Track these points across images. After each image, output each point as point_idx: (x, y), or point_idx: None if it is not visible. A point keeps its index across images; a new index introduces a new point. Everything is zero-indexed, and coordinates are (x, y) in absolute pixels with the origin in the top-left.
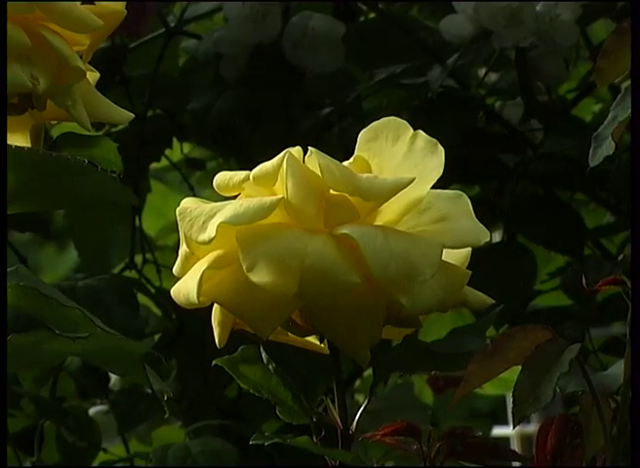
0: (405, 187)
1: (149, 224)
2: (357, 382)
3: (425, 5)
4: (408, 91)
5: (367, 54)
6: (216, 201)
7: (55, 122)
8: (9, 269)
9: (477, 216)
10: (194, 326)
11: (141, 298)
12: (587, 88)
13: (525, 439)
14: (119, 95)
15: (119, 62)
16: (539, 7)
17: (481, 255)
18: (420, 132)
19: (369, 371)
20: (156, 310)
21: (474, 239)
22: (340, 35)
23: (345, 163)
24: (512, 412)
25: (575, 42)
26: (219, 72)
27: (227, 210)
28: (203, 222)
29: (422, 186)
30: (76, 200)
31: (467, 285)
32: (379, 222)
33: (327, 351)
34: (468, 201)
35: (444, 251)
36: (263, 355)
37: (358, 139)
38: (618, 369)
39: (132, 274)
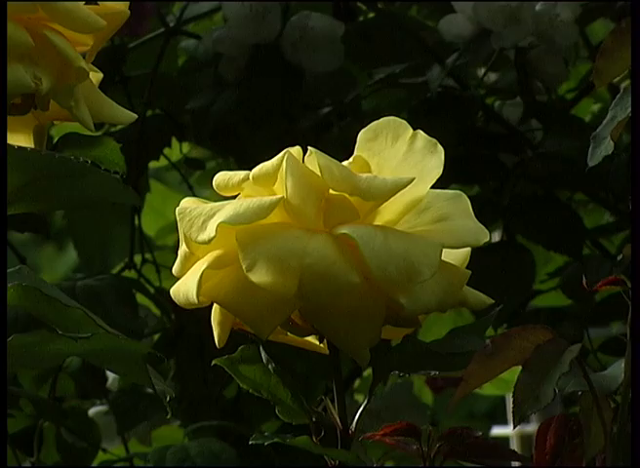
0: (404, 187)
1: (149, 224)
2: (357, 382)
3: (425, 5)
4: (407, 90)
5: (366, 53)
6: (215, 201)
7: (57, 122)
8: (11, 270)
9: (476, 216)
10: (194, 326)
11: (141, 298)
12: (587, 88)
13: (525, 439)
14: (118, 94)
15: (118, 62)
16: (538, 7)
17: (480, 255)
18: (420, 131)
19: (368, 371)
20: (155, 310)
21: (474, 239)
22: (340, 35)
23: (345, 163)
24: (512, 412)
25: (574, 42)
26: (218, 72)
27: (227, 209)
28: (203, 222)
29: (422, 186)
30: (79, 200)
31: (467, 284)
32: (378, 222)
33: (326, 351)
34: (468, 201)
35: (443, 250)
36: (263, 355)
37: (358, 139)
38: (617, 368)
39: (131, 274)
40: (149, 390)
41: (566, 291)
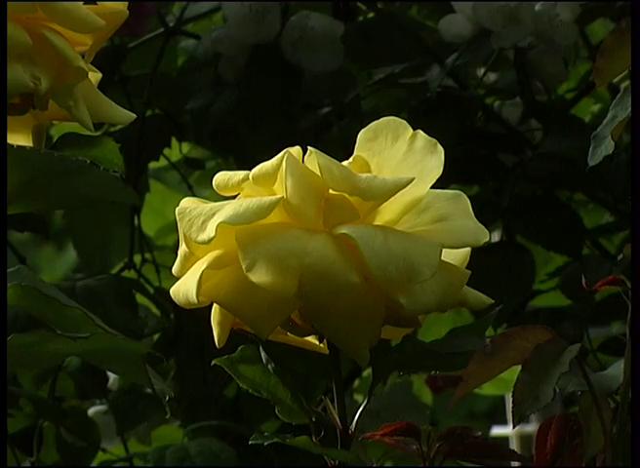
0: (404, 187)
1: (148, 224)
2: (356, 382)
3: (424, 5)
4: (407, 90)
5: (366, 53)
6: (215, 201)
7: (56, 122)
8: (10, 270)
9: (476, 216)
10: (193, 326)
11: (140, 298)
12: (586, 88)
13: (524, 439)
14: (118, 94)
15: (118, 62)
16: (537, 7)
17: (480, 255)
18: (420, 131)
19: (368, 371)
20: (155, 310)
21: (473, 239)
22: (339, 35)
23: (345, 163)
24: (512, 412)
25: (574, 42)
26: (217, 72)
27: (227, 209)
28: (202, 222)
29: (422, 186)
30: (79, 200)
31: (467, 285)
32: (378, 222)
33: (326, 351)
34: (467, 201)
35: (443, 250)
36: (263, 355)
37: (357, 139)
38: (617, 368)
39: (131, 274)
40: (149, 390)
41: (565, 291)
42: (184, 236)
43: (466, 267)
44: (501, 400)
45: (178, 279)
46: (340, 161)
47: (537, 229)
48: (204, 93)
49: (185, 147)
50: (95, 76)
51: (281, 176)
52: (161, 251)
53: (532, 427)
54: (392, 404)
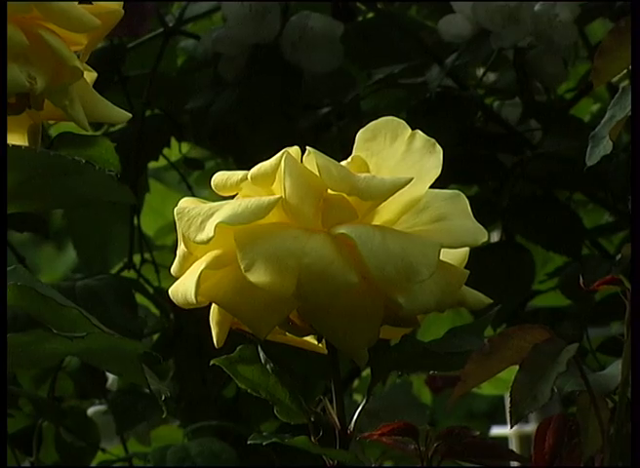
0: (403, 187)
1: (148, 224)
2: (355, 382)
3: (424, 5)
4: (406, 91)
5: (365, 53)
6: (214, 201)
7: (53, 122)
8: (7, 269)
9: (475, 216)
10: (193, 326)
11: (140, 298)
12: (586, 87)
13: (523, 438)
14: (117, 94)
15: (117, 62)
16: (537, 7)
17: (479, 255)
18: (419, 131)
19: (367, 371)
20: (155, 310)
21: (472, 239)
22: (339, 35)
23: (343, 163)
24: (510, 412)
25: (573, 42)
26: (217, 72)
27: (225, 209)
28: (201, 222)
29: (420, 186)
30: (75, 199)
31: (465, 284)
32: (377, 222)
33: (325, 351)
34: (466, 201)
35: (442, 250)
36: (261, 355)
37: (356, 139)
38: (615, 368)
39: (130, 274)
40: (148, 390)
41: (565, 291)
42: (183, 236)
43: (466, 267)
44: (501, 400)
45: (177, 279)
46: (339, 161)
47: (536, 229)
48: (203, 93)
49: (185, 147)
50: (90, 76)
51: (279, 176)
52: (161, 250)
53: (531, 427)
54: (391, 404)
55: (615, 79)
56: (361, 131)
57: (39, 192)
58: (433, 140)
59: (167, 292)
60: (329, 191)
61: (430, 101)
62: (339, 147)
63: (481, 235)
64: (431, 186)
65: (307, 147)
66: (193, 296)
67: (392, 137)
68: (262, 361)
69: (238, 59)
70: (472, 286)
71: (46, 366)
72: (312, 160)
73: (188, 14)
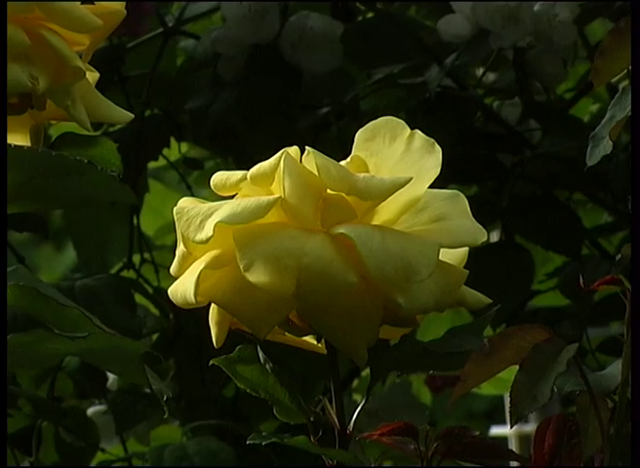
0: (402, 187)
1: (147, 224)
2: (355, 382)
3: (423, 5)
4: (406, 90)
5: (365, 53)
6: (213, 201)
7: (54, 122)
8: (8, 269)
9: (474, 216)
10: (192, 325)
11: (139, 298)
12: (585, 87)
13: (523, 438)
14: (117, 94)
15: (117, 62)
16: (536, 7)
17: (478, 255)
18: (418, 131)
19: (366, 371)
20: (154, 310)
21: (471, 239)
22: (338, 35)
23: (343, 162)
24: (510, 412)
25: (572, 42)
26: (217, 72)
27: (225, 209)
28: (200, 222)
29: (420, 186)
30: (77, 199)
31: (465, 284)
32: (376, 222)
33: (324, 351)
34: (466, 200)
35: (441, 250)
36: (261, 355)
37: (355, 139)
38: (615, 368)
39: (130, 274)
40: (148, 390)
41: (564, 291)
42: (182, 236)
43: (465, 267)
44: (501, 400)
45: (176, 279)
46: (338, 161)
47: (536, 229)
48: (203, 93)
49: (184, 147)
50: (92, 76)
51: (279, 176)
52: (160, 250)
53: (530, 427)
54: (391, 404)
55: (615, 79)
56: (360, 130)
57: (41, 192)
58: (432, 140)
59: (166, 291)
60: (328, 191)
61: (430, 101)
62: (338, 147)
63: (480, 235)
64: (431, 186)
65: (307, 147)
66: (193, 296)
67: (391, 137)
68: (262, 361)
69: (237, 59)
70: (472, 286)
71: (47, 366)
72: (311, 160)
73: (188, 14)
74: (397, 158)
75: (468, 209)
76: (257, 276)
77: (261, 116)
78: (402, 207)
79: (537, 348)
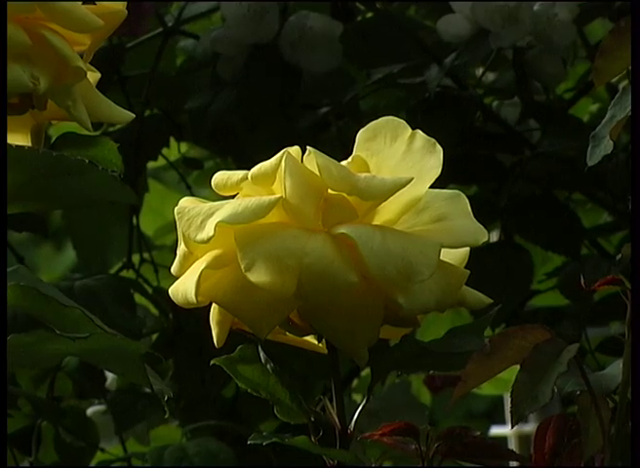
0: (403, 187)
1: (147, 224)
2: (355, 382)
3: (423, 5)
4: (406, 90)
5: (364, 53)
6: (214, 200)
7: (55, 122)
8: (9, 269)
9: (475, 216)
10: (192, 325)
11: (139, 298)
12: (585, 87)
13: (523, 438)
14: (117, 94)
15: (117, 62)
16: (536, 6)
17: (479, 255)
18: (419, 131)
19: (367, 371)
20: (154, 310)
21: (472, 238)
22: (338, 35)
23: (344, 162)
24: (510, 412)
25: (572, 41)
26: (216, 72)
27: (226, 209)
28: (201, 222)
29: (421, 186)
30: (78, 200)
31: (465, 284)
32: (377, 222)
33: (325, 351)
34: (466, 200)
35: (442, 250)
36: (261, 354)
37: (356, 139)
38: (615, 368)
39: (129, 274)
40: (147, 390)
41: (564, 290)
42: (183, 235)
43: (465, 267)
44: (500, 400)
45: (176, 279)
46: (339, 161)
47: (535, 229)
48: (203, 92)
49: (184, 147)
50: (93, 76)
51: (280, 176)
52: (160, 250)
53: (530, 427)
54: (391, 403)
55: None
56: (361, 130)
57: (42, 192)
58: (433, 140)
59: (166, 291)
60: (329, 191)
61: (429, 101)
62: (338, 147)
63: (481, 235)
64: (431, 186)
65: (308, 147)
66: (193, 296)
67: (392, 137)
68: (263, 361)
69: (237, 59)
70: (471, 286)
71: (47, 366)
72: (312, 160)
73: (187, 14)
74: (398, 158)
75: (469, 209)
76: (258, 276)
77: (261, 116)
78: (403, 207)
79: (538, 348)
